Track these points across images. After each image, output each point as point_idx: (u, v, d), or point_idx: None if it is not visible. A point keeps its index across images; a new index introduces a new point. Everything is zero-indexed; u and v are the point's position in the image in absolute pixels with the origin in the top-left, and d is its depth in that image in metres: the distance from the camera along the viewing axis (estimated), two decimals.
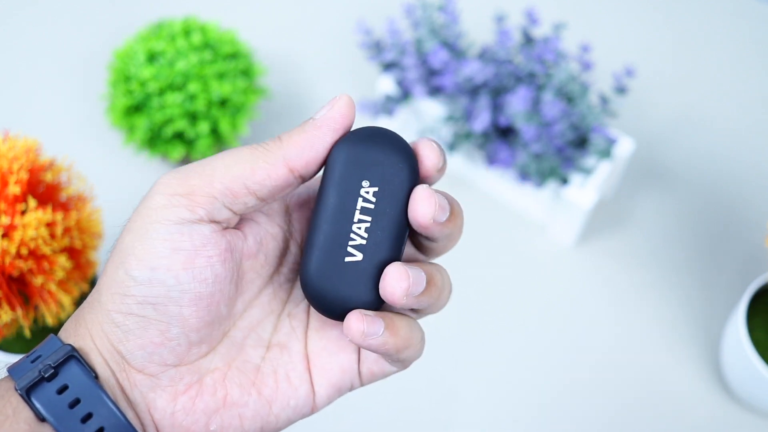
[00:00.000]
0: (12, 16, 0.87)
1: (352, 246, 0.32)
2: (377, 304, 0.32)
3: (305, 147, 0.31)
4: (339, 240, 0.32)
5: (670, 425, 0.67)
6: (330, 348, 0.34)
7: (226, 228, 0.32)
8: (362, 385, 0.35)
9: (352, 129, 0.33)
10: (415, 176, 0.32)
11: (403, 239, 0.32)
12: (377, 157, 0.32)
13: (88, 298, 0.32)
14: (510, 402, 0.68)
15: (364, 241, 0.32)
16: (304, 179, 0.32)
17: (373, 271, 0.32)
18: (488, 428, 0.66)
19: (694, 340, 0.70)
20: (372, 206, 0.32)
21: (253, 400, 0.33)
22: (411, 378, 0.68)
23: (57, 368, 0.30)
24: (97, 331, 0.31)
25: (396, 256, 0.32)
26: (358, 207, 0.32)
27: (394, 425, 0.67)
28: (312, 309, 0.35)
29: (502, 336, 0.71)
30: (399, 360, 0.33)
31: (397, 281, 0.31)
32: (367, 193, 0.32)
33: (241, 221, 0.33)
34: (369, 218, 0.32)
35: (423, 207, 0.31)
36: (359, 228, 0.32)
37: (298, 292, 0.35)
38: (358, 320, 0.31)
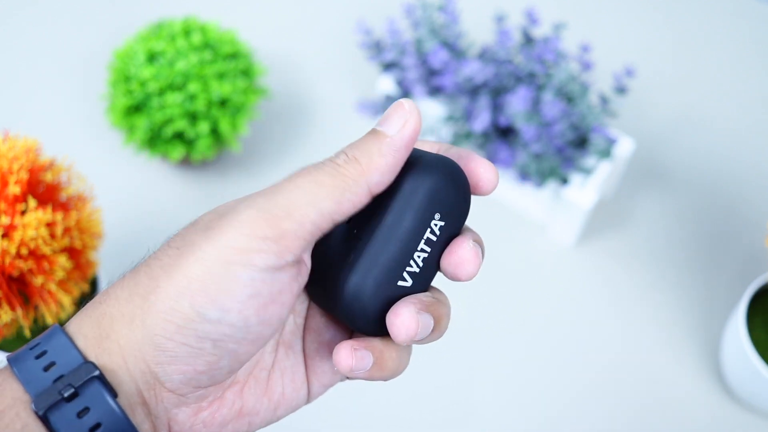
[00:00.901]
0: (12, 16, 0.87)
1: (408, 272, 0.32)
2: None
3: (387, 173, 0.30)
4: (400, 262, 0.32)
5: (669, 425, 0.67)
6: (322, 352, 0.34)
7: (299, 273, 0.31)
8: (349, 379, 0.35)
9: (419, 150, 0.33)
10: (466, 215, 0.33)
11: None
12: (451, 193, 0.32)
13: (120, 308, 0.30)
14: (509, 401, 0.68)
15: (417, 270, 0.32)
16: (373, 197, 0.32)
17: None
18: (487, 428, 0.66)
19: (694, 340, 0.70)
20: (434, 238, 0.32)
21: (264, 407, 0.33)
22: (411, 377, 0.68)
23: (79, 389, 0.28)
24: (132, 350, 0.29)
25: (427, 288, 0.33)
26: (425, 237, 0.32)
27: (393, 425, 0.66)
28: (311, 309, 0.35)
29: (501, 336, 0.71)
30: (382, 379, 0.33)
31: (406, 328, 0.30)
32: (435, 225, 0.32)
33: None
34: (429, 249, 0.32)
35: (469, 267, 0.32)
36: (419, 257, 0.32)
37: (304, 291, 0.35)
38: (347, 356, 0.30)
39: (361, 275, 0.31)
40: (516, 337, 0.70)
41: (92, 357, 0.29)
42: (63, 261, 0.51)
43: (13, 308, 0.51)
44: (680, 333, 0.70)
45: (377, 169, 0.30)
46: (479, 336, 0.70)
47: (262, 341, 0.30)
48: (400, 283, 0.32)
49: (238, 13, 0.87)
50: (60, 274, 0.51)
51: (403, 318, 0.30)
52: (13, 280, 0.51)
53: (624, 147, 0.71)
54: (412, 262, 0.32)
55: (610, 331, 0.71)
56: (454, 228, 0.32)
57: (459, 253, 0.31)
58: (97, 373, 0.28)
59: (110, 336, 0.29)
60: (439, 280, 0.72)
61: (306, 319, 0.35)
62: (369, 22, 0.86)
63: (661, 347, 0.70)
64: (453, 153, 0.33)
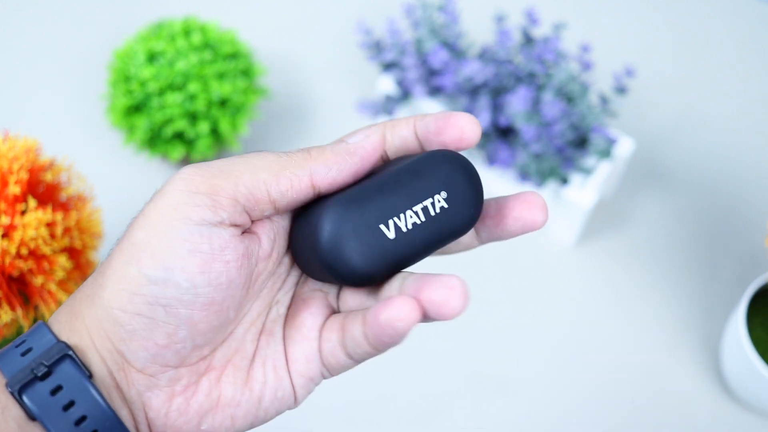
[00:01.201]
0: (12, 16, 0.87)
1: (393, 223, 0.31)
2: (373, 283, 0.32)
3: (333, 167, 0.31)
4: (384, 209, 0.31)
5: (669, 425, 0.67)
6: (294, 336, 0.33)
7: (244, 232, 0.31)
8: (331, 375, 0.34)
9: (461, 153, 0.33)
10: (469, 226, 0.32)
11: (425, 255, 0.32)
12: (462, 183, 0.32)
13: (86, 290, 0.31)
14: (509, 401, 0.68)
15: (404, 230, 0.31)
16: (318, 195, 0.32)
17: (393, 259, 0.31)
18: (486, 427, 0.66)
19: (694, 340, 0.70)
20: (432, 213, 0.31)
21: (245, 398, 0.32)
22: (410, 377, 0.68)
23: (51, 367, 0.29)
24: (96, 329, 0.30)
25: (409, 260, 0.32)
26: (423, 203, 0.31)
27: (392, 425, 0.66)
28: (295, 299, 0.35)
29: (501, 336, 0.71)
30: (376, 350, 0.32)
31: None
32: (438, 201, 0.32)
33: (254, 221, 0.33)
34: (423, 218, 0.31)
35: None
36: (410, 216, 0.31)
37: (290, 278, 0.35)
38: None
39: (339, 206, 0.30)
40: (516, 336, 0.70)
41: (65, 339, 0.30)
42: (63, 261, 0.51)
43: (13, 308, 0.51)
44: (680, 333, 0.70)
45: (324, 161, 0.31)
46: (479, 336, 0.70)
47: (216, 307, 0.30)
48: (381, 227, 0.31)
49: (238, 13, 0.87)
50: (60, 274, 0.51)
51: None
52: (13, 280, 0.51)
53: (624, 147, 0.71)
54: (401, 215, 0.31)
55: (610, 331, 0.71)
56: (457, 220, 0.32)
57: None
58: (69, 351, 0.29)
59: (78, 316, 0.30)
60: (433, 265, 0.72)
61: (289, 308, 0.34)
62: (369, 22, 0.86)
63: (661, 347, 0.70)
64: (429, 118, 0.33)
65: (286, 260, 0.35)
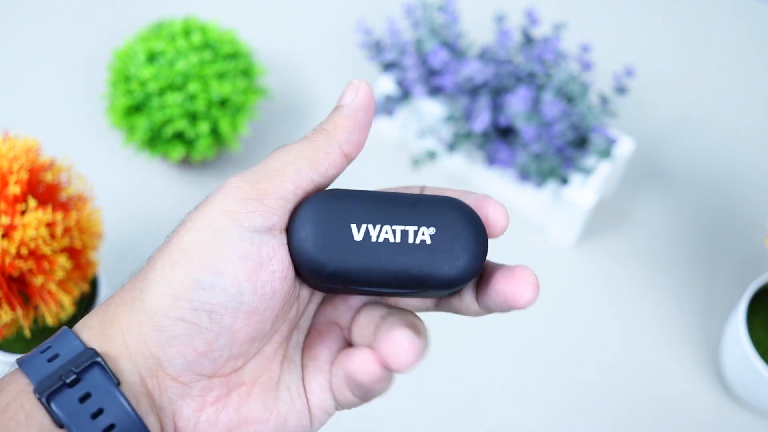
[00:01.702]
0: (12, 16, 0.87)
1: (365, 229, 0.31)
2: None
3: (353, 131, 0.32)
4: (358, 214, 0.31)
5: (669, 425, 0.67)
6: (310, 367, 0.34)
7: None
8: (342, 408, 0.34)
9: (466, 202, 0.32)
10: (454, 278, 0.31)
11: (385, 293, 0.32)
12: (469, 239, 0.31)
13: (123, 296, 0.31)
14: (509, 401, 0.68)
15: (374, 240, 0.31)
16: (351, 162, 0.33)
17: (350, 262, 0.30)
18: (486, 427, 0.66)
19: (694, 340, 0.70)
20: (411, 241, 0.31)
21: (273, 418, 0.32)
22: (410, 377, 0.68)
23: (80, 374, 0.28)
24: (133, 334, 0.30)
25: (372, 281, 0.31)
26: (404, 227, 0.31)
27: (391, 425, 0.66)
28: (312, 329, 0.35)
29: (501, 336, 0.71)
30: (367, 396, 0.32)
31: (408, 356, 0.29)
32: (423, 234, 0.31)
33: None
34: (399, 241, 0.31)
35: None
36: (385, 232, 0.31)
37: (311, 306, 0.35)
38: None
39: (323, 195, 0.31)
40: (516, 336, 0.70)
41: (95, 345, 0.30)
42: (63, 261, 0.51)
43: (13, 308, 0.51)
44: (680, 333, 0.70)
45: (343, 129, 0.32)
46: (479, 336, 0.70)
47: (257, 317, 0.30)
48: (352, 225, 0.31)
49: (238, 13, 0.87)
50: (60, 274, 0.51)
51: (406, 345, 0.29)
52: (13, 280, 0.51)
53: (624, 147, 0.71)
54: (375, 226, 0.31)
55: (610, 330, 0.71)
56: (439, 263, 0.30)
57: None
58: (97, 358, 0.29)
59: (113, 323, 0.30)
60: None
61: (306, 336, 0.35)
62: (369, 22, 0.86)
63: (661, 347, 0.70)
64: (471, 198, 0.33)
65: (305, 292, 0.34)
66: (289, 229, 0.31)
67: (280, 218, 0.30)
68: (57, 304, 0.52)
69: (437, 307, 0.35)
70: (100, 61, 0.83)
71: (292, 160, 0.31)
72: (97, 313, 0.31)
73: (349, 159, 0.32)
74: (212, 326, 0.29)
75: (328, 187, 0.32)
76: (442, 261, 0.31)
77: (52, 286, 0.51)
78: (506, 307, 0.32)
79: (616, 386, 0.68)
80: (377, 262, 0.30)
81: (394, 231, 0.31)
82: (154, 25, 0.72)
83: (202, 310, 0.29)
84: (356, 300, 0.35)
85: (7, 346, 0.59)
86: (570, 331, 0.71)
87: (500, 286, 0.31)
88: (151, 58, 0.69)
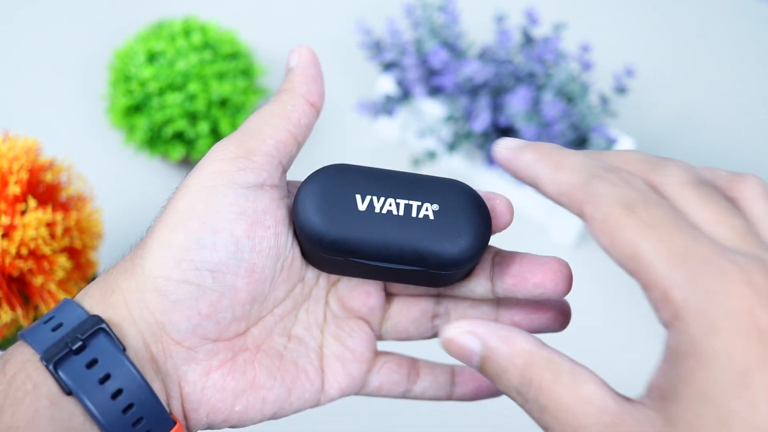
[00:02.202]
0: (12, 17, 0.87)
1: (368, 201, 0.31)
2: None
3: (310, 81, 0.34)
4: (367, 185, 0.31)
5: None
6: (345, 357, 0.35)
7: (281, 198, 0.32)
8: (367, 394, 0.36)
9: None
10: (456, 257, 0.31)
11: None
12: (473, 220, 0.31)
13: (124, 265, 0.31)
14: (508, 401, 0.68)
15: (378, 210, 0.31)
16: (319, 112, 0.34)
17: (352, 231, 0.31)
18: (484, 427, 0.66)
19: None
20: (414, 215, 0.31)
21: (278, 384, 0.33)
22: None
23: (86, 341, 0.28)
24: (135, 301, 0.30)
25: (370, 258, 0.31)
26: (408, 201, 0.31)
27: (390, 425, 0.66)
28: (329, 313, 0.35)
29: None
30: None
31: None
32: (426, 210, 0.31)
33: None
34: (402, 214, 0.31)
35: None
36: (389, 204, 0.31)
37: (317, 291, 0.35)
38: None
39: (330, 168, 0.32)
40: None
41: (98, 313, 0.30)
42: (63, 261, 0.51)
43: (13, 308, 0.51)
44: None
45: (300, 83, 0.34)
46: None
47: (257, 275, 0.31)
48: (356, 195, 0.31)
49: (238, 13, 0.87)
50: (60, 274, 0.51)
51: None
52: (13, 280, 0.51)
53: (624, 147, 0.71)
54: (380, 198, 0.31)
55: (610, 331, 0.71)
56: (440, 240, 0.31)
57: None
58: (102, 324, 0.29)
59: (115, 290, 0.30)
60: None
61: (324, 323, 0.35)
62: (369, 22, 0.86)
63: (662, 347, 0.70)
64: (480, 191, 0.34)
65: (310, 274, 0.35)
66: (295, 199, 0.31)
67: (269, 174, 0.31)
68: (57, 304, 0.52)
69: (440, 301, 0.36)
70: (100, 61, 0.83)
71: (266, 119, 0.32)
72: (97, 282, 0.31)
73: (316, 108, 0.34)
74: (216, 286, 0.30)
75: (334, 164, 0.33)
76: (445, 238, 0.31)
77: (52, 286, 0.51)
78: (541, 299, 0.34)
79: (615, 386, 0.68)
80: (379, 232, 0.31)
81: (398, 204, 0.31)
82: (154, 25, 0.72)
83: (205, 270, 0.29)
84: (375, 296, 0.35)
85: (7, 346, 0.59)
86: (570, 331, 0.71)
87: (539, 280, 0.33)
88: (151, 58, 0.69)
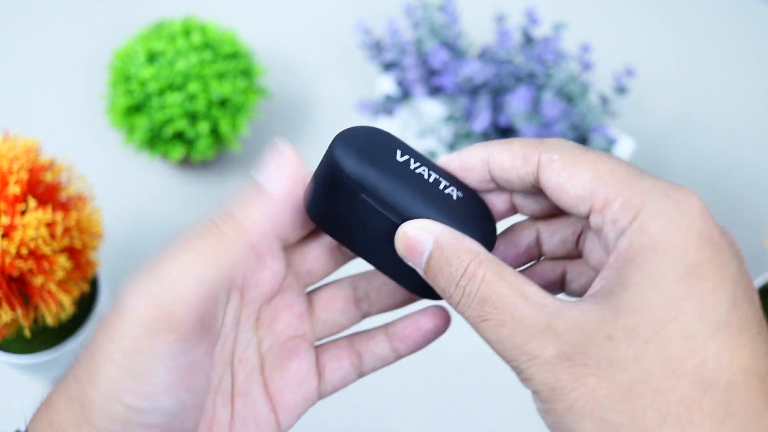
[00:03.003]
0: (12, 17, 0.87)
1: (408, 158, 0.32)
2: None
3: (269, 232, 0.29)
4: (408, 149, 0.32)
5: None
6: (292, 383, 0.35)
7: (205, 331, 0.30)
8: (327, 395, 0.36)
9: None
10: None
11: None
12: (482, 224, 0.33)
13: (66, 414, 0.29)
14: (508, 402, 0.67)
15: (411, 167, 0.32)
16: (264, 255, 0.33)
17: (389, 179, 0.31)
18: (483, 428, 0.66)
19: None
20: (440, 187, 0.32)
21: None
22: (407, 378, 0.68)
23: None
24: None
25: (402, 216, 0.32)
26: (440, 177, 0.32)
27: (392, 427, 0.66)
28: (263, 349, 0.35)
29: None
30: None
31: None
32: (453, 190, 0.32)
33: None
34: (431, 180, 0.32)
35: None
36: (423, 170, 0.32)
37: (242, 336, 0.35)
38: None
39: (363, 127, 0.33)
40: None
41: None
42: (63, 261, 0.51)
43: (13, 308, 0.51)
44: None
45: (257, 229, 0.29)
46: (477, 337, 0.70)
47: (201, 406, 0.30)
48: (398, 150, 0.32)
49: (238, 13, 0.87)
50: (60, 274, 0.51)
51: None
52: (13, 280, 0.51)
53: (624, 147, 0.71)
54: (417, 162, 0.32)
55: None
56: (464, 220, 0.32)
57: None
58: None
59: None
60: None
61: (262, 362, 0.35)
62: (369, 22, 0.86)
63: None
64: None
65: (228, 319, 0.34)
66: (334, 143, 0.31)
67: (195, 331, 0.29)
68: (57, 304, 0.52)
69: (356, 285, 0.37)
70: (100, 61, 0.83)
71: (197, 271, 0.28)
72: (43, 416, 0.30)
73: (257, 251, 0.29)
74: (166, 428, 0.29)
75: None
76: (466, 220, 0.32)
77: (52, 286, 0.51)
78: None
79: None
80: (411, 189, 0.31)
81: (429, 173, 0.32)
82: (154, 25, 0.72)
83: (155, 426, 0.29)
84: (297, 305, 0.35)
85: (7, 346, 0.59)
86: None
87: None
88: (151, 58, 0.69)
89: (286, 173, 0.30)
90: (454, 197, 0.32)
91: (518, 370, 0.29)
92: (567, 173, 0.29)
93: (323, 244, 0.36)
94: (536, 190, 0.32)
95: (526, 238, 0.34)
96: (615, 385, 0.25)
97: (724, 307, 0.26)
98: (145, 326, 0.28)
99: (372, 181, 0.31)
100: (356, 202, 0.31)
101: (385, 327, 0.37)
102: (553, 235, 0.34)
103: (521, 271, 0.35)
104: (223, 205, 0.29)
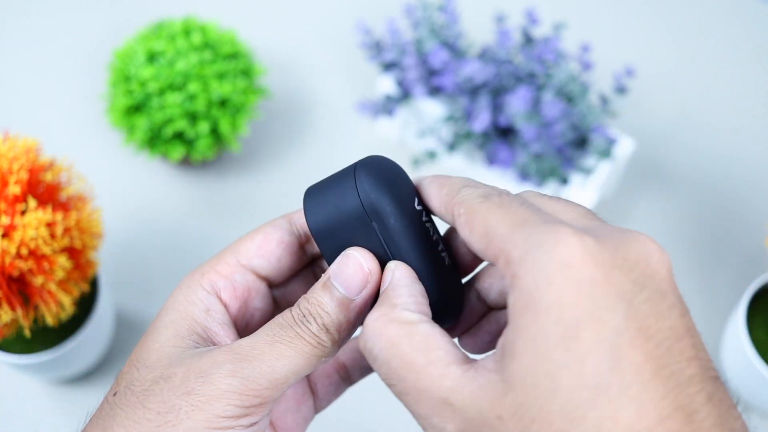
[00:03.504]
0: (12, 17, 0.87)
1: (422, 209, 0.34)
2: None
3: (353, 332, 0.33)
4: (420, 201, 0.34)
5: None
6: (290, 407, 0.35)
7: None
8: (319, 413, 0.37)
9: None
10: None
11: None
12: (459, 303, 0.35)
13: None
14: None
15: (423, 220, 0.33)
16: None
17: (403, 225, 0.32)
18: None
19: None
20: (439, 248, 0.34)
21: None
22: None
23: None
24: None
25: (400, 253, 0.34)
26: (438, 239, 0.34)
27: (391, 427, 0.67)
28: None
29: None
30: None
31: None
32: (445, 256, 0.34)
33: None
34: (435, 239, 0.34)
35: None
36: (430, 226, 0.34)
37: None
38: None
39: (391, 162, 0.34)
40: None
41: None
42: (63, 261, 0.51)
43: (13, 308, 0.51)
44: None
45: (348, 336, 0.32)
46: None
47: None
48: (416, 198, 0.33)
49: (238, 13, 0.87)
50: (60, 274, 0.51)
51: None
52: (13, 280, 0.51)
53: (624, 147, 0.71)
54: (428, 216, 0.33)
55: None
56: (448, 287, 0.34)
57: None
58: None
59: None
60: None
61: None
62: (369, 22, 0.86)
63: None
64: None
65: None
66: (362, 167, 0.32)
67: (270, 410, 0.31)
68: (57, 304, 0.52)
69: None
70: (100, 61, 0.83)
71: (297, 368, 0.31)
72: None
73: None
74: None
75: None
76: (445, 287, 0.33)
77: (52, 286, 0.51)
78: None
79: None
80: (418, 231, 0.32)
81: (434, 233, 0.33)
82: (154, 25, 0.72)
83: None
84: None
85: (7, 346, 0.59)
86: None
87: None
88: (151, 58, 0.69)
89: (366, 283, 0.32)
90: (446, 263, 0.33)
91: None
92: (469, 228, 0.29)
93: (306, 279, 0.37)
94: None
95: (470, 299, 0.35)
96: None
97: (603, 366, 0.24)
98: (238, 407, 0.29)
99: (387, 214, 0.32)
100: (364, 226, 0.32)
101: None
102: (490, 290, 0.34)
103: (472, 328, 0.35)
104: (313, 309, 0.32)
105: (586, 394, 0.24)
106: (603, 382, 0.24)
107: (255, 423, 0.30)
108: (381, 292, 0.31)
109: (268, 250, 0.34)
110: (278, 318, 0.32)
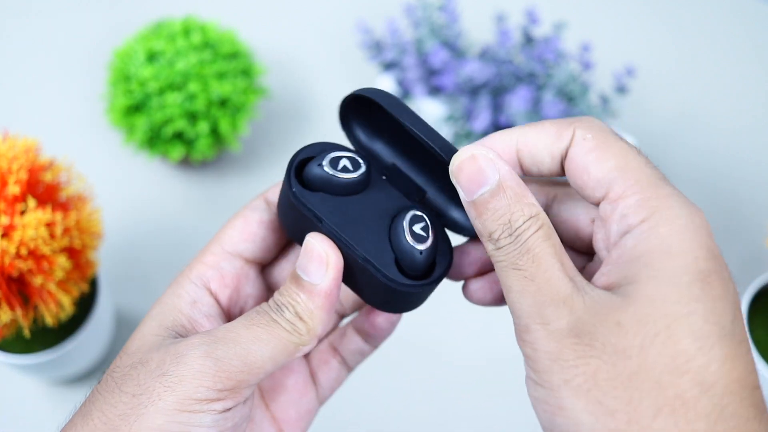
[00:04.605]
0: (12, 17, 0.87)
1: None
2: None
3: (328, 321, 0.33)
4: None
5: None
6: (293, 398, 0.36)
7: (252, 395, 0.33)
8: (323, 404, 0.38)
9: None
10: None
11: None
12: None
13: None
14: (507, 402, 0.67)
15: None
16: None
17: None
18: (480, 429, 0.66)
19: None
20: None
21: None
22: (405, 378, 0.68)
23: None
24: None
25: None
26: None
27: (391, 426, 0.66)
28: (267, 394, 0.37)
29: (502, 337, 0.70)
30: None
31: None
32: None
33: None
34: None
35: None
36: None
37: None
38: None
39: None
40: (515, 338, 0.70)
41: None
42: (63, 261, 0.51)
43: (12, 308, 0.51)
44: None
45: (321, 322, 0.32)
46: (478, 336, 0.70)
47: None
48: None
49: (238, 13, 0.87)
50: (60, 274, 0.51)
51: None
52: (12, 280, 0.51)
53: None
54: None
55: None
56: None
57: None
58: None
59: None
60: None
61: (260, 383, 0.36)
62: (369, 22, 0.86)
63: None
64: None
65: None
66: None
67: (247, 397, 0.31)
68: (57, 304, 0.52)
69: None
70: (100, 61, 0.83)
71: (273, 353, 0.31)
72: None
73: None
74: None
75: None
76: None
77: (52, 286, 0.51)
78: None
79: None
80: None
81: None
82: (154, 24, 0.72)
83: None
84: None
85: (7, 346, 0.59)
86: None
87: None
88: (151, 57, 0.69)
89: (327, 265, 0.32)
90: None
91: (524, 329, 0.29)
92: (595, 155, 0.29)
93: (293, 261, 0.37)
94: (552, 183, 0.33)
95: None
96: (616, 371, 0.26)
97: (729, 316, 0.27)
98: (209, 389, 0.29)
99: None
100: (309, 220, 0.33)
101: (352, 322, 0.38)
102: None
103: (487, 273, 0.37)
104: (287, 301, 0.32)
105: (715, 331, 0.26)
106: (728, 329, 0.26)
107: (228, 409, 0.30)
108: (488, 193, 0.30)
109: (251, 232, 0.34)
110: (257, 307, 0.32)
